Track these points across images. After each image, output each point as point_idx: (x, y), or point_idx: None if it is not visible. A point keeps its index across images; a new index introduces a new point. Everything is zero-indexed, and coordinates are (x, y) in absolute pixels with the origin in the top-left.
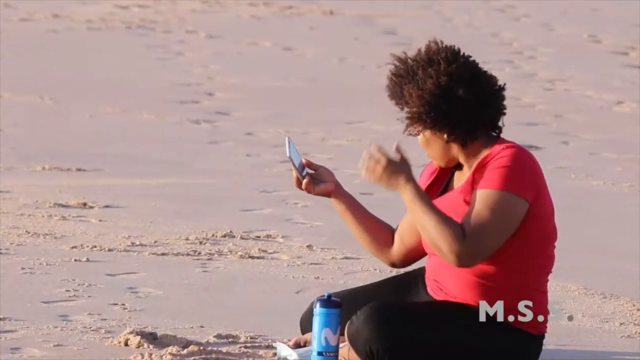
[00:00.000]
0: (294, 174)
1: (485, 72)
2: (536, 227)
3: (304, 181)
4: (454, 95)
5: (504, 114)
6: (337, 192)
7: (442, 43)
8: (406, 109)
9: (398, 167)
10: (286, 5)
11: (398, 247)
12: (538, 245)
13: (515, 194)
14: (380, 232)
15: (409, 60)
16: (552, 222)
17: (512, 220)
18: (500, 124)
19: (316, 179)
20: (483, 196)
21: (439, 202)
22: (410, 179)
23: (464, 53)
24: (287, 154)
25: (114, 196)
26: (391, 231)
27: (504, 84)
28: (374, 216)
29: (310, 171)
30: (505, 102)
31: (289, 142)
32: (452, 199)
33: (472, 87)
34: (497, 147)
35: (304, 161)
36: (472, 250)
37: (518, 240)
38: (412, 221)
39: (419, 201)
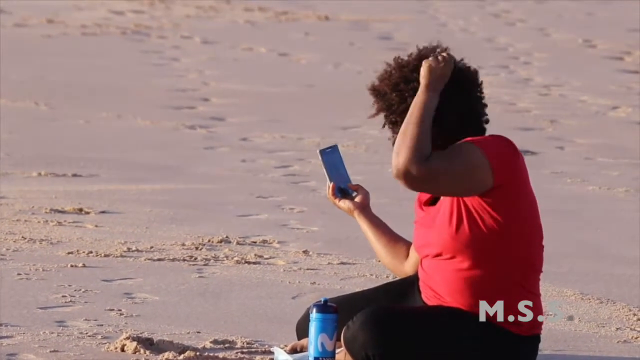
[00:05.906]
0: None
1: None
2: (517, 223)
3: (330, 186)
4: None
5: (484, 119)
6: (359, 213)
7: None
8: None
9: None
10: (281, 10)
11: (413, 261)
12: (521, 242)
13: (478, 147)
14: (396, 247)
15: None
16: (535, 219)
17: (468, 167)
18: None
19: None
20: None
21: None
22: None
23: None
24: (323, 167)
25: (110, 202)
26: (407, 245)
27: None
28: (392, 232)
29: (352, 191)
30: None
31: (321, 154)
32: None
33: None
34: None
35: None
36: (418, 170)
37: (500, 237)
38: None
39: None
